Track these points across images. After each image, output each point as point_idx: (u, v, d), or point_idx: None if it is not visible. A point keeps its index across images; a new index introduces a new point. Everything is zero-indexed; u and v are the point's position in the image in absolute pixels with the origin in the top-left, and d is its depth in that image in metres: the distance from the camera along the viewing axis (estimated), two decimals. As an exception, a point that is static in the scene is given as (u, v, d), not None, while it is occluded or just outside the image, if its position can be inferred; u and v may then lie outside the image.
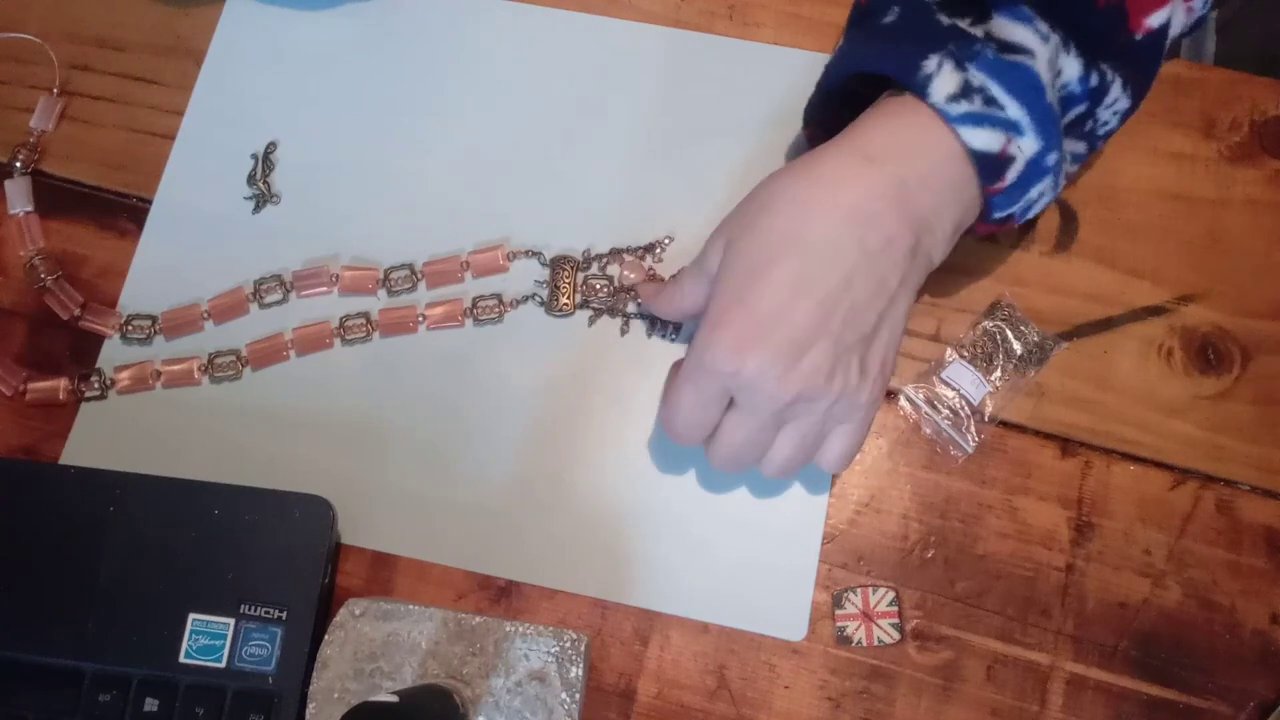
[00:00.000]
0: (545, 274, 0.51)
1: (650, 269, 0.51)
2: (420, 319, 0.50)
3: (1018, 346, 0.49)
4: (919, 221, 0.40)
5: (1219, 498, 0.47)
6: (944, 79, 0.39)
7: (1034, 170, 0.40)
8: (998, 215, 0.42)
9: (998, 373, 0.49)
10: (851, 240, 0.39)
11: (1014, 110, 0.39)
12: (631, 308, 0.50)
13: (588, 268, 0.51)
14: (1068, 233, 0.51)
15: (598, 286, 0.50)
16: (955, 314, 0.50)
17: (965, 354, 0.49)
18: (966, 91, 0.39)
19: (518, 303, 0.50)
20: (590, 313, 0.50)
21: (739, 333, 0.39)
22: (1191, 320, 0.49)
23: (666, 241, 0.51)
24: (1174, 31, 0.43)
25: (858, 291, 0.40)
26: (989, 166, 0.40)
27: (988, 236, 0.46)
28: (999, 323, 0.49)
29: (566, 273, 0.50)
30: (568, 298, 0.50)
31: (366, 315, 0.50)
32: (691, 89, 0.53)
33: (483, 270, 0.51)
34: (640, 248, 0.51)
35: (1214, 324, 0.49)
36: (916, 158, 0.40)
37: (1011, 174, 0.40)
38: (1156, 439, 0.48)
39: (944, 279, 0.50)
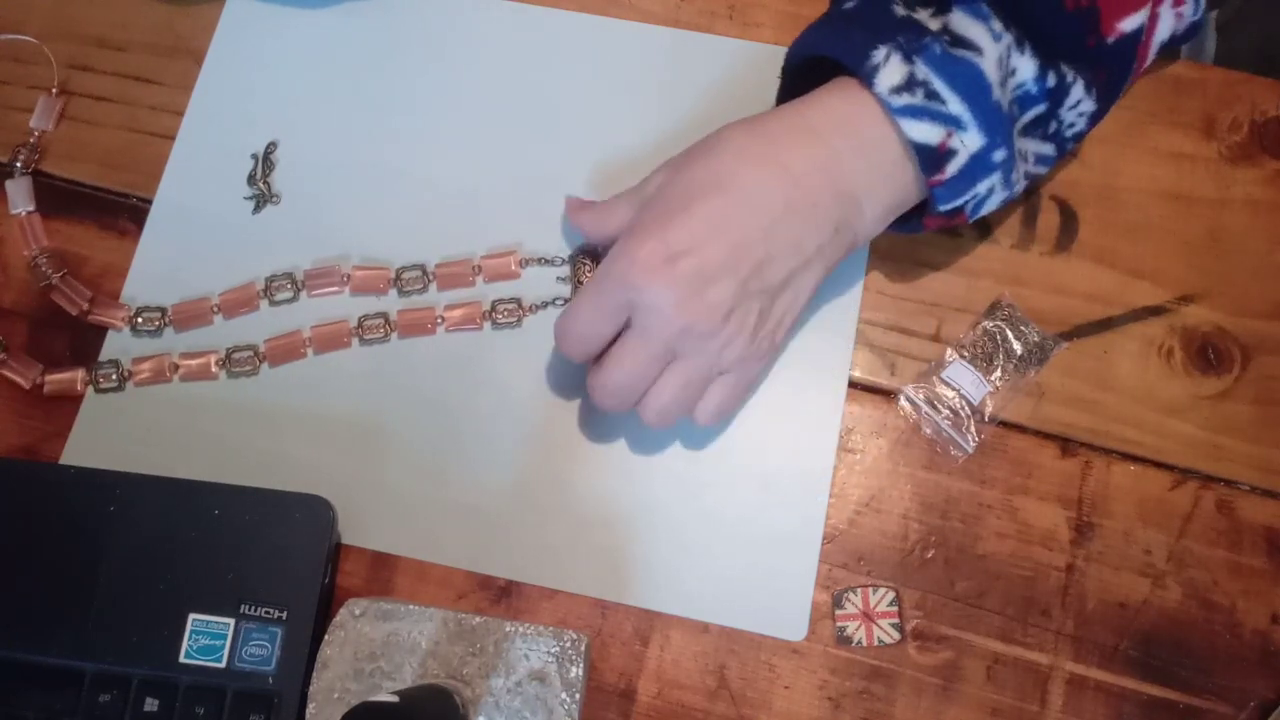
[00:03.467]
0: (564, 271, 0.51)
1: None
2: (439, 320, 0.50)
3: (1018, 346, 0.49)
4: (848, 197, 0.41)
5: (1219, 498, 0.47)
6: (890, 70, 0.40)
7: (978, 165, 0.41)
8: (943, 208, 0.42)
9: (998, 373, 0.49)
10: (779, 195, 0.41)
11: (955, 105, 0.40)
12: None
13: None
14: (1068, 233, 0.51)
15: None
16: (955, 314, 0.50)
17: (965, 354, 0.49)
18: (910, 84, 0.40)
19: (537, 308, 0.50)
20: None
21: (651, 252, 0.40)
22: (1191, 320, 0.49)
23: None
24: (1163, 36, 0.43)
25: (774, 244, 0.41)
26: (929, 158, 0.40)
27: (939, 230, 0.47)
28: (999, 323, 0.49)
29: (588, 267, 0.50)
30: None
31: (385, 316, 0.50)
32: (691, 89, 0.53)
33: (495, 275, 0.51)
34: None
35: (1214, 324, 0.49)
36: (854, 137, 0.41)
37: (953, 167, 0.41)
38: (1156, 439, 0.48)
39: (944, 279, 0.50)
